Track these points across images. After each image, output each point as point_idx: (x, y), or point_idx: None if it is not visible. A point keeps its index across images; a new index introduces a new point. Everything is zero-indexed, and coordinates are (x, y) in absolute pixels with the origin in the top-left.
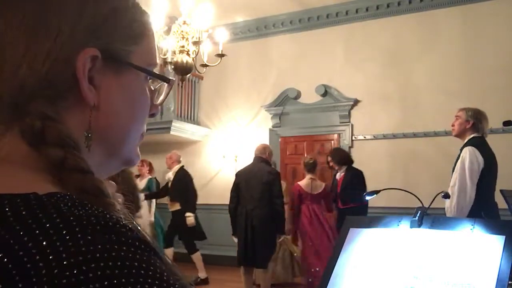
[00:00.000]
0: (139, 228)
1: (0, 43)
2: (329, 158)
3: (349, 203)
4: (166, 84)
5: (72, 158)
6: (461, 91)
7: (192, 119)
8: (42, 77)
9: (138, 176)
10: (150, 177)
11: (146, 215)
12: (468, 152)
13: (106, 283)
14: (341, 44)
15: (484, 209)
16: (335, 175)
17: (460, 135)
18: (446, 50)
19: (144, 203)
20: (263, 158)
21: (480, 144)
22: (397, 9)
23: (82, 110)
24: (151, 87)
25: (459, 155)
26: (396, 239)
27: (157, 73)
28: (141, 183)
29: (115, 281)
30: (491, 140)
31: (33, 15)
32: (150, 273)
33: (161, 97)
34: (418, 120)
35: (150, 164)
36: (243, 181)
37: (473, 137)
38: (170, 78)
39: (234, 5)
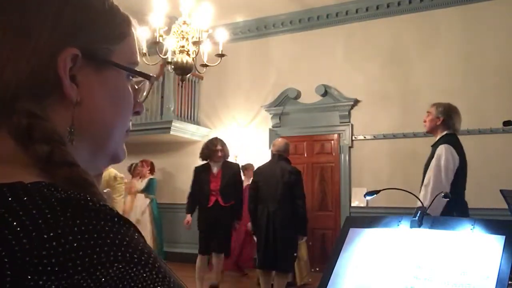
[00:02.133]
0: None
1: None
2: None
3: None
4: (147, 82)
5: (59, 152)
6: (461, 91)
7: (192, 119)
8: (26, 77)
9: (138, 176)
10: (151, 177)
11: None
12: (444, 150)
13: (81, 253)
14: (341, 44)
15: (455, 208)
16: None
17: (431, 131)
18: (446, 50)
19: (145, 201)
20: (283, 156)
21: (454, 142)
22: (397, 9)
23: (66, 107)
24: (134, 85)
25: (432, 153)
26: (396, 239)
27: (137, 70)
28: (142, 183)
29: (90, 251)
30: (490, 140)
31: (15, 19)
32: (126, 242)
33: (144, 94)
34: (418, 120)
35: (151, 164)
36: (263, 180)
37: (446, 134)
38: (151, 74)
39: (234, 5)
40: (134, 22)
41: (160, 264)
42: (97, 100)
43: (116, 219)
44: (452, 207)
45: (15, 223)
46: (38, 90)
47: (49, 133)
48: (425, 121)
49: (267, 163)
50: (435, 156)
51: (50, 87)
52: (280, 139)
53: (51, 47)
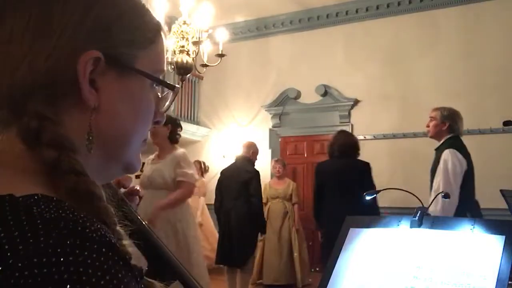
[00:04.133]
0: (122, 234)
1: (8, 42)
2: None
3: None
4: (171, 91)
5: (67, 159)
6: (461, 91)
7: (192, 119)
8: (42, 76)
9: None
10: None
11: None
12: (449, 155)
13: (56, 285)
14: (341, 44)
15: (469, 210)
16: None
17: (435, 136)
18: (446, 50)
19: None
20: (246, 156)
21: (459, 145)
22: (397, 9)
23: (82, 111)
24: (158, 94)
25: (437, 157)
26: (396, 239)
27: (162, 79)
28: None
29: (63, 285)
30: (490, 140)
31: (38, 16)
32: (103, 282)
33: (166, 104)
34: (418, 120)
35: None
36: (225, 179)
37: (450, 137)
38: (175, 85)
39: (234, 5)
40: (164, 28)
41: None
42: (116, 107)
43: (103, 249)
44: (464, 209)
45: None
46: (53, 91)
47: (59, 138)
48: (428, 126)
49: (231, 164)
50: (442, 161)
51: (67, 90)
52: (247, 142)
53: (73, 46)
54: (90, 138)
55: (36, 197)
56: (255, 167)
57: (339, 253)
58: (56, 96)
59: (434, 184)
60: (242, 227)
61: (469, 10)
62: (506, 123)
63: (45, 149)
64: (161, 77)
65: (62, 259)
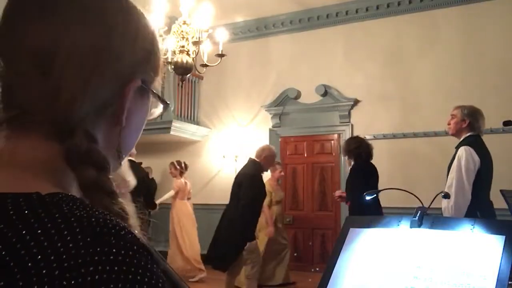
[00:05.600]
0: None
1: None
2: None
3: None
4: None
5: (104, 180)
6: (461, 91)
7: (192, 119)
8: (97, 98)
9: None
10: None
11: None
12: (464, 152)
13: (97, 286)
14: (341, 44)
15: (479, 208)
16: None
17: (456, 134)
18: (446, 50)
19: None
20: (253, 159)
21: (476, 143)
22: (397, 9)
23: (111, 128)
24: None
25: (455, 154)
26: (396, 239)
27: (162, 98)
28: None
29: (107, 284)
30: (490, 140)
31: (104, 38)
32: (146, 279)
33: (156, 113)
34: (418, 120)
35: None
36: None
37: (469, 135)
38: (168, 102)
39: (234, 5)
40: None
41: None
42: (135, 123)
43: (135, 247)
44: (476, 207)
45: (32, 243)
46: (99, 112)
47: (101, 161)
48: (449, 124)
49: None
50: (456, 157)
51: (109, 112)
52: (263, 145)
53: (123, 75)
54: (119, 154)
55: (60, 195)
56: (261, 172)
57: (339, 253)
58: (99, 116)
59: (448, 179)
60: (227, 231)
61: (469, 10)
62: (506, 123)
63: (88, 169)
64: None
65: (104, 258)
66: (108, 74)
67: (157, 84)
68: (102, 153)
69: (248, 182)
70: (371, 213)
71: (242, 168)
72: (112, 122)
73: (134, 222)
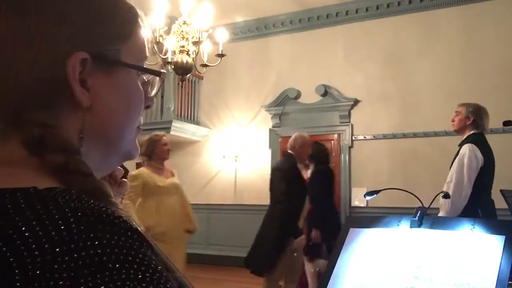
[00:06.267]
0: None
1: None
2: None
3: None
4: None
5: (73, 162)
6: (461, 91)
7: (192, 119)
8: (32, 85)
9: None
10: None
11: None
12: (467, 149)
13: (93, 269)
14: (341, 44)
15: (481, 207)
16: None
17: (460, 131)
18: (446, 50)
19: None
20: (288, 153)
21: (480, 141)
22: (397, 9)
23: (76, 112)
24: (144, 79)
25: (458, 152)
26: (396, 239)
27: (147, 67)
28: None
29: (103, 268)
30: (490, 140)
31: (15, 25)
32: (138, 260)
33: (154, 90)
34: (418, 120)
35: None
36: None
37: (473, 133)
38: (161, 71)
39: (234, 5)
40: (140, 12)
41: (172, 285)
42: (108, 102)
43: (129, 233)
44: (477, 205)
45: (27, 234)
46: (46, 98)
47: (62, 143)
48: (453, 121)
49: None
50: (459, 155)
51: (60, 94)
52: (295, 134)
53: (57, 53)
54: (81, 136)
55: (57, 189)
56: (295, 165)
57: (339, 253)
58: (50, 102)
59: (448, 176)
60: (268, 230)
61: (469, 10)
62: (506, 123)
63: (53, 154)
64: (145, 65)
65: (97, 243)
66: (31, 55)
67: (138, 58)
68: (59, 135)
69: (277, 178)
70: (332, 216)
71: (276, 163)
72: (74, 104)
73: (111, 200)
